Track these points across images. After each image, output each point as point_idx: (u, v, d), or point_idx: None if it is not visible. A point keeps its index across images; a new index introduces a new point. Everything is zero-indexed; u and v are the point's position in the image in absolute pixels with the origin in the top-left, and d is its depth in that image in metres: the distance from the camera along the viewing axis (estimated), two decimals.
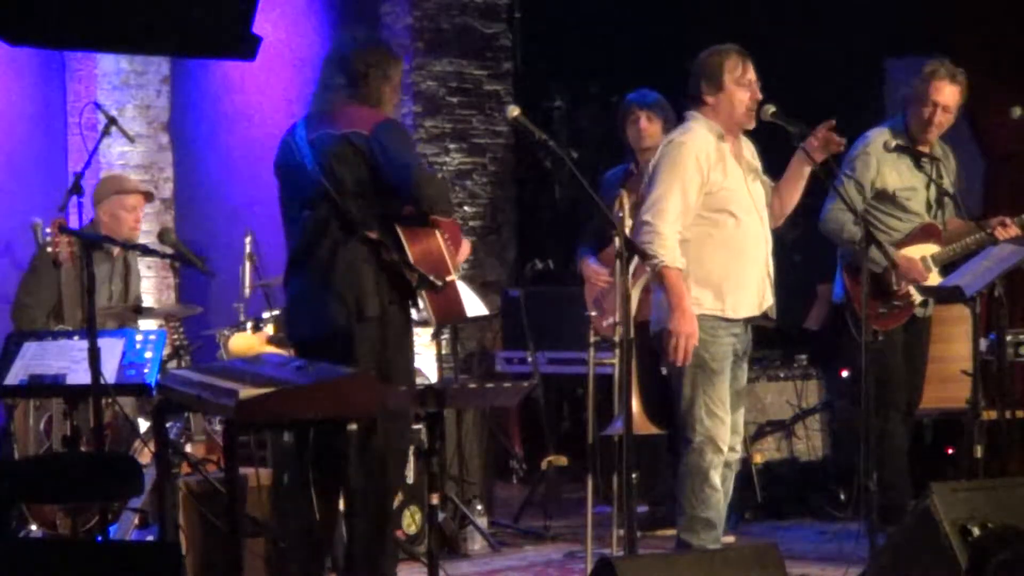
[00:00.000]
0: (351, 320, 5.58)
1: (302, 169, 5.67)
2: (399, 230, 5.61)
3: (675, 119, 6.70)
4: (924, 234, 6.88)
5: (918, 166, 6.88)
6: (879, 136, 6.86)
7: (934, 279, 6.80)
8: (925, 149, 6.88)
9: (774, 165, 6.21)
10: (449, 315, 5.81)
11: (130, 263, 7.41)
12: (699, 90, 5.98)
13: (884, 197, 6.81)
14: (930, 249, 6.86)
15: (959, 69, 6.82)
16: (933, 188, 6.89)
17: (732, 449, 6.06)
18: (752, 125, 6.01)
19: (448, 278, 5.64)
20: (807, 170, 6.00)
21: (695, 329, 5.77)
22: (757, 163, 6.12)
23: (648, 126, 7.20)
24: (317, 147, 5.66)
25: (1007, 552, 4.44)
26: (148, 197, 7.49)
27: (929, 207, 6.92)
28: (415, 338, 6.04)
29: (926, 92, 6.77)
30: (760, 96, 5.98)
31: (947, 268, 6.88)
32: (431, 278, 5.59)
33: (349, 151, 5.61)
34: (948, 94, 6.78)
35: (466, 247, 6.08)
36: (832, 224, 6.78)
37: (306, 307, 5.75)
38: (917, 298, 6.79)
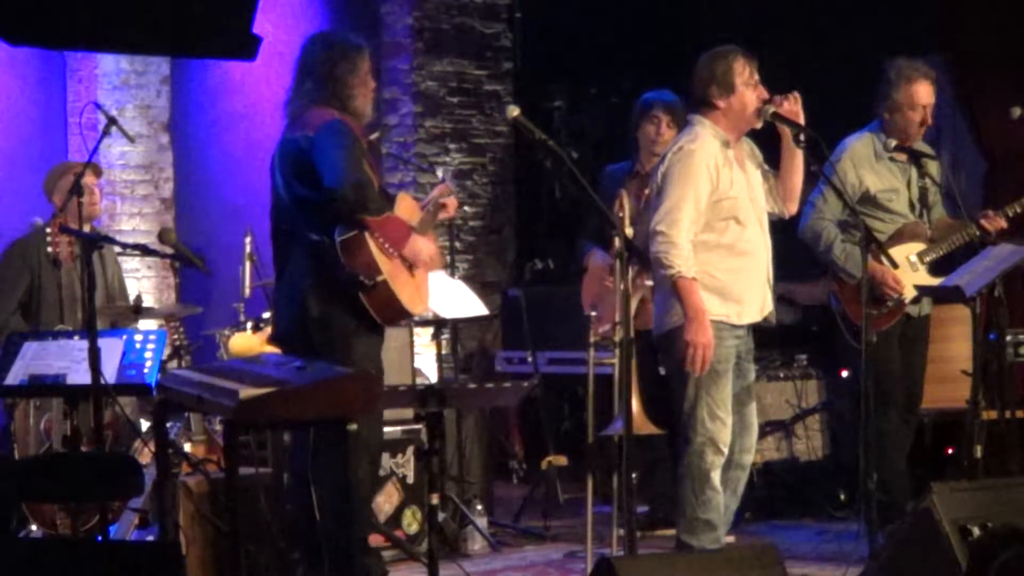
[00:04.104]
0: (297, 323, 5.69)
1: (273, 175, 5.78)
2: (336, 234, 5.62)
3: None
4: (909, 234, 6.89)
5: (902, 167, 6.89)
6: (857, 142, 6.88)
7: (923, 277, 6.81)
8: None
9: (777, 165, 6.22)
10: (387, 314, 5.77)
11: (104, 255, 7.35)
12: (708, 94, 5.98)
13: (866, 200, 6.81)
14: (916, 248, 6.87)
15: (922, 63, 6.86)
16: (915, 188, 6.91)
17: (747, 450, 6.07)
18: (759, 124, 6.03)
19: (379, 278, 5.63)
20: (799, 153, 6.05)
21: (712, 339, 5.79)
22: (759, 157, 6.14)
23: (667, 131, 7.13)
24: (278, 152, 5.74)
25: (1010, 552, 4.44)
26: (96, 171, 7.35)
27: (912, 207, 6.93)
28: (415, 338, 6.05)
29: (911, 97, 6.78)
30: (767, 95, 5.99)
31: (940, 266, 6.89)
32: (360, 278, 5.60)
33: (298, 155, 5.65)
34: (929, 93, 6.82)
35: (419, 242, 5.90)
36: (809, 234, 6.84)
37: (274, 309, 5.99)
38: (908, 296, 6.80)
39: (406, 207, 5.99)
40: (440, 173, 6.68)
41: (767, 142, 6.20)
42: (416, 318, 6.82)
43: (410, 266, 5.86)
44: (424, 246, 5.92)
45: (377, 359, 5.83)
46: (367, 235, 5.63)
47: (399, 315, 5.89)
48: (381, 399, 4.75)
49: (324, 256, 5.62)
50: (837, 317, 6.85)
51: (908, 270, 6.82)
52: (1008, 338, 6.90)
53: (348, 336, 5.68)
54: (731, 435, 5.95)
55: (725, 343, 5.91)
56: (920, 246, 6.88)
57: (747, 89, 5.97)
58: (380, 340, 5.89)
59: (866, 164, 6.84)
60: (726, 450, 5.94)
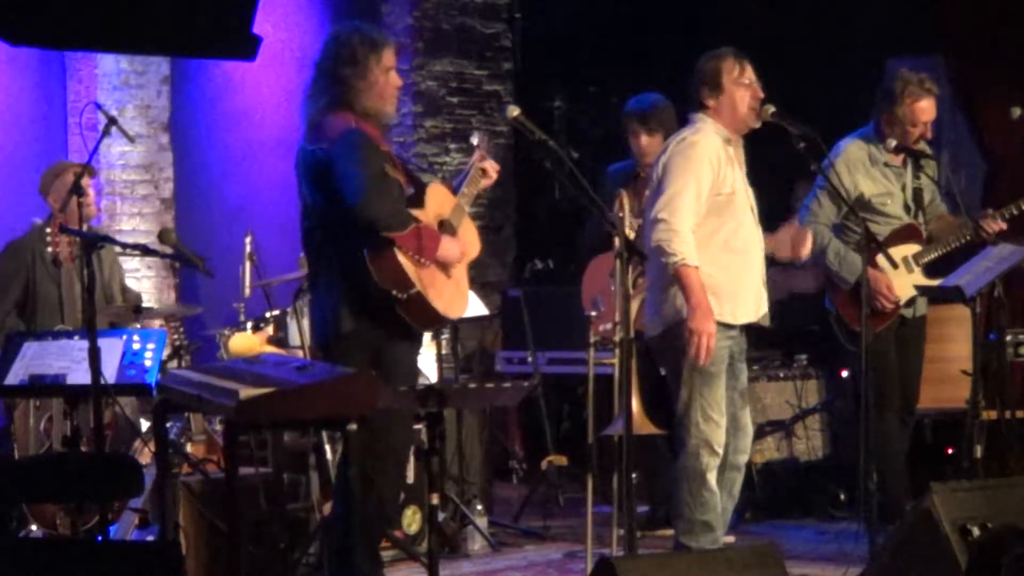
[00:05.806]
0: (329, 337, 5.65)
1: (299, 182, 5.73)
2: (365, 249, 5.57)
3: (676, 121, 6.69)
4: (904, 235, 6.89)
5: (896, 170, 6.88)
6: (851, 146, 6.87)
7: (918, 279, 6.81)
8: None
9: (777, 165, 6.21)
10: (423, 323, 5.76)
11: (101, 256, 7.30)
12: (701, 95, 6.01)
13: (860, 204, 6.80)
14: (911, 249, 6.88)
15: (923, 75, 6.83)
16: (910, 190, 6.91)
17: (741, 451, 6.07)
18: (757, 124, 6.03)
19: (412, 291, 5.59)
20: None
21: (715, 328, 5.78)
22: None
23: (649, 142, 7.15)
24: (299, 162, 5.68)
25: (1019, 549, 4.43)
26: (90, 171, 7.28)
27: (908, 209, 6.93)
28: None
29: (913, 114, 6.76)
30: (762, 94, 6.00)
31: (935, 267, 6.88)
32: (393, 292, 5.57)
33: (319, 168, 5.59)
34: (931, 109, 6.82)
35: (448, 244, 5.80)
36: None
37: (310, 317, 5.98)
38: (903, 298, 6.81)
39: (439, 197, 5.90)
40: (474, 139, 6.47)
41: (766, 142, 6.19)
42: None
43: (444, 266, 5.81)
44: (454, 246, 5.81)
45: (412, 367, 5.82)
46: (396, 249, 5.56)
47: (436, 323, 5.90)
48: (381, 399, 4.74)
49: (357, 268, 5.55)
50: (832, 319, 6.86)
51: (903, 271, 6.83)
52: (1008, 338, 6.91)
53: (380, 348, 5.63)
54: (725, 436, 5.96)
55: (718, 343, 5.89)
56: (915, 247, 6.89)
57: (737, 88, 5.98)
58: (415, 346, 5.86)
59: (860, 169, 6.84)
60: (721, 451, 5.94)
